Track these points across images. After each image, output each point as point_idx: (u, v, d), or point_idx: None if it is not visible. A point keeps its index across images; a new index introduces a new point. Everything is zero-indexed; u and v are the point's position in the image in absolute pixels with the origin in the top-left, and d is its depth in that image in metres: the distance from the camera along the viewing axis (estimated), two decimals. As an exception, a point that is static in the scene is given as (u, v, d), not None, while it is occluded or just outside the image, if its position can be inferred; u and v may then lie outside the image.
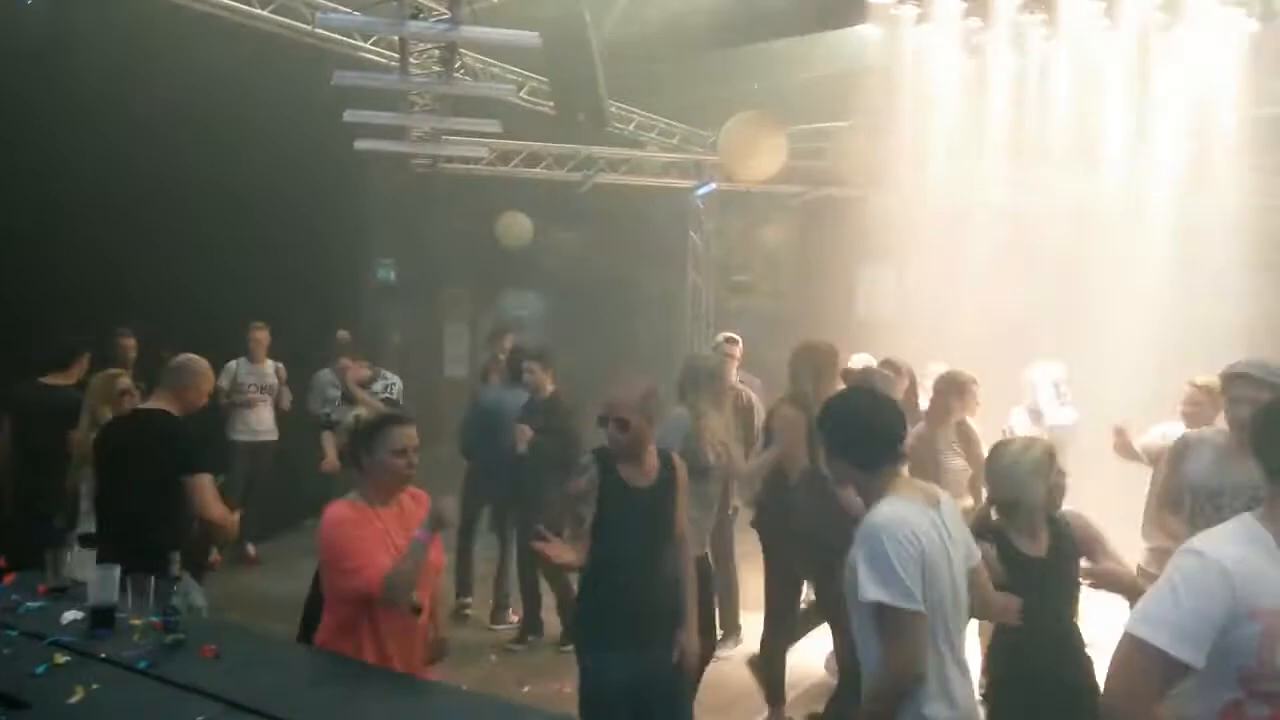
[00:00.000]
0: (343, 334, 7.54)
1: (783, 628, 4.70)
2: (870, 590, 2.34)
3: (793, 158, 9.78)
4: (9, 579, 3.40)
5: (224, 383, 7.14)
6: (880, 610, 2.35)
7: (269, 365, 7.45)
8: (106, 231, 6.67)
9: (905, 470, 2.64)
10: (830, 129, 9.83)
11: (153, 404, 4.05)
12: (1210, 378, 4.17)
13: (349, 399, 6.26)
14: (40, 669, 2.66)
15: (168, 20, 6.44)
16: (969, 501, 4.72)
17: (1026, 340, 6.63)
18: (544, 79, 8.48)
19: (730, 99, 9.48)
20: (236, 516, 4.12)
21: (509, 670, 5.49)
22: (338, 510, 3.05)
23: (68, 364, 5.28)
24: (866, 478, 2.54)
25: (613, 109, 8.59)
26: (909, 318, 7.86)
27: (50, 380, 5.22)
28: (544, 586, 5.77)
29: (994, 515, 3.25)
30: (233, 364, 7.30)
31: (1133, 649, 1.90)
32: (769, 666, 4.70)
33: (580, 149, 10.14)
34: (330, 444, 6.01)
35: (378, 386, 6.64)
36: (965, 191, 7.88)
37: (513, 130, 8.85)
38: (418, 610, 3.05)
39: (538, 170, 10.28)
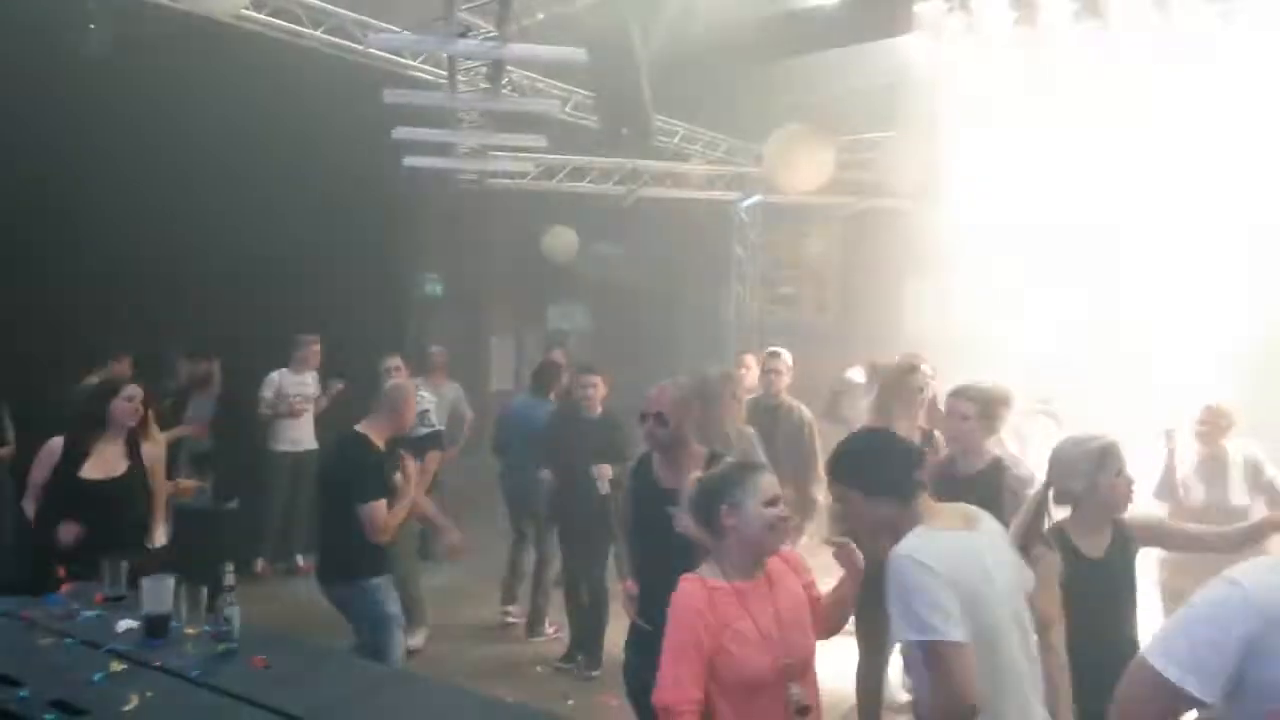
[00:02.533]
0: (436, 349, 7.84)
1: (875, 646, 4.50)
2: (903, 630, 2.28)
3: (838, 169, 9.71)
4: (67, 588, 3.49)
5: (268, 393, 7.23)
6: (918, 646, 2.27)
7: (311, 376, 7.50)
8: (158, 246, 6.85)
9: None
10: (876, 140, 9.76)
11: (362, 427, 4.37)
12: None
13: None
14: (98, 676, 2.73)
15: (222, 40, 6.58)
16: None
17: (1078, 357, 6.52)
18: (589, 93, 8.54)
19: (775, 111, 9.46)
20: None
21: (553, 684, 5.49)
22: (689, 591, 2.49)
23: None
24: (897, 510, 2.42)
25: (657, 122, 8.61)
26: (956, 332, 7.75)
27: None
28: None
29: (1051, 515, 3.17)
30: (275, 375, 7.30)
31: (1141, 672, 1.82)
32: (866, 686, 4.53)
33: (624, 163, 10.18)
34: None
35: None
36: (1014, 203, 7.78)
37: (557, 145, 8.92)
38: (803, 711, 2.50)
39: (582, 184, 10.33)
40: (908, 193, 10.19)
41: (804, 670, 2.56)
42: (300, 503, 7.18)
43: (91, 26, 6.58)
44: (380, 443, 4.31)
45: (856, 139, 10.01)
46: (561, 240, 10.82)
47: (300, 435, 7.32)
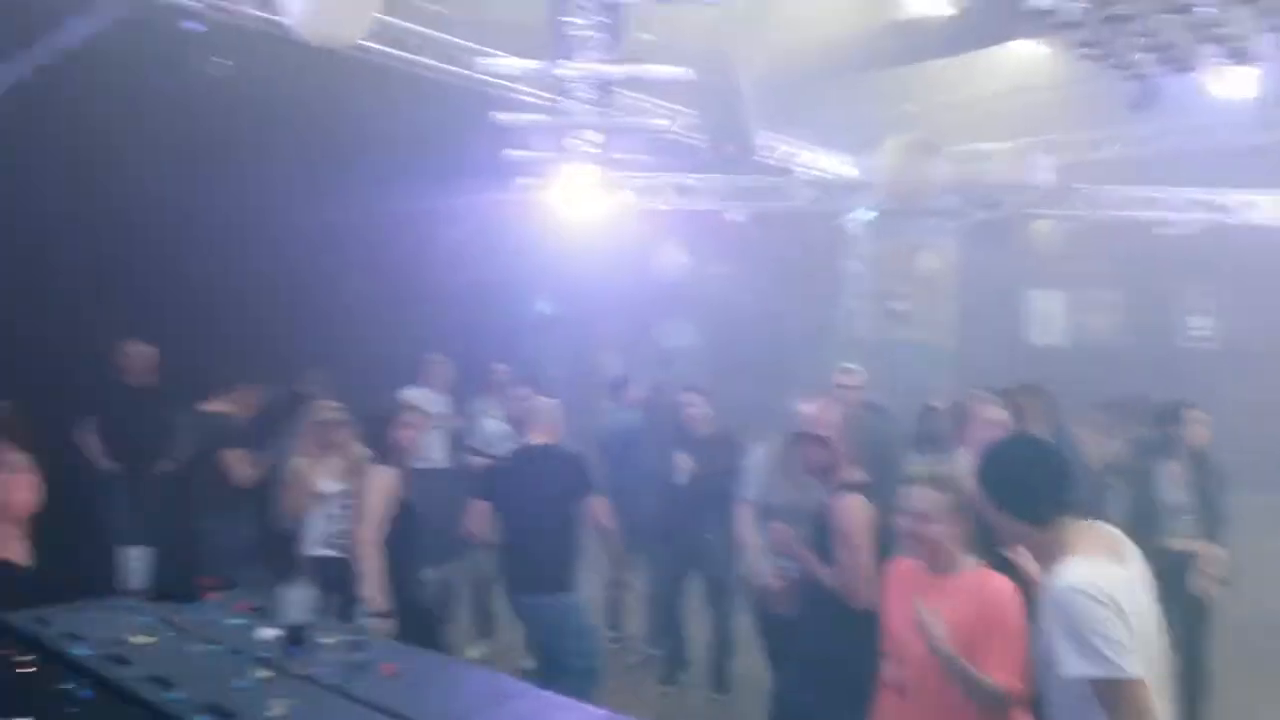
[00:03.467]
0: (499, 366, 7.74)
1: None
2: (1076, 665, 2.10)
3: (952, 180, 9.52)
4: (214, 596, 3.68)
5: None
6: (1093, 685, 2.11)
7: (443, 395, 7.66)
8: (275, 268, 7.18)
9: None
10: (991, 149, 9.53)
11: (543, 439, 4.73)
12: None
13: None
14: (243, 683, 2.86)
15: (337, 66, 6.87)
16: None
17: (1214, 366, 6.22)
18: (694, 112, 8.61)
19: (885, 121, 9.35)
20: None
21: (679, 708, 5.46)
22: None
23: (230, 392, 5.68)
24: (1038, 533, 2.26)
25: (761, 137, 8.61)
26: (1081, 345, 7.48)
27: (211, 407, 5.63)
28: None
29: None
30: (409, 392, 7.51)
31: (1129, 689, 2.09)
32: None
33: (731, 179, 10.19)
34: None
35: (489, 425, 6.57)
36: (1138, 211, 7.49)
37: (665, 163, 8.99)
38: None
39: (689, 202, 10.38)
40: (1025, 202, 9.92)
41: None
42: (432, 518, 7.28)
43: (214, 59, 7.00)
44: None
45: (971, 149, 9.80)
46: (670, 259, 10.88)
47: (430, 452, 7.45)
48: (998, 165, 9.65)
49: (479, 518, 4.76)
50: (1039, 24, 5.29)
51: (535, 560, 4.54)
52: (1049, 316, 11.48)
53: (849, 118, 9.67)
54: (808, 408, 3.52)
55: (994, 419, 3.73)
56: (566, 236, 9.91)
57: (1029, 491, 2.27)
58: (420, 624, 4.13)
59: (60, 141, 6.12)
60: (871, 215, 10.77)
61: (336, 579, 4.84)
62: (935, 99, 8.98)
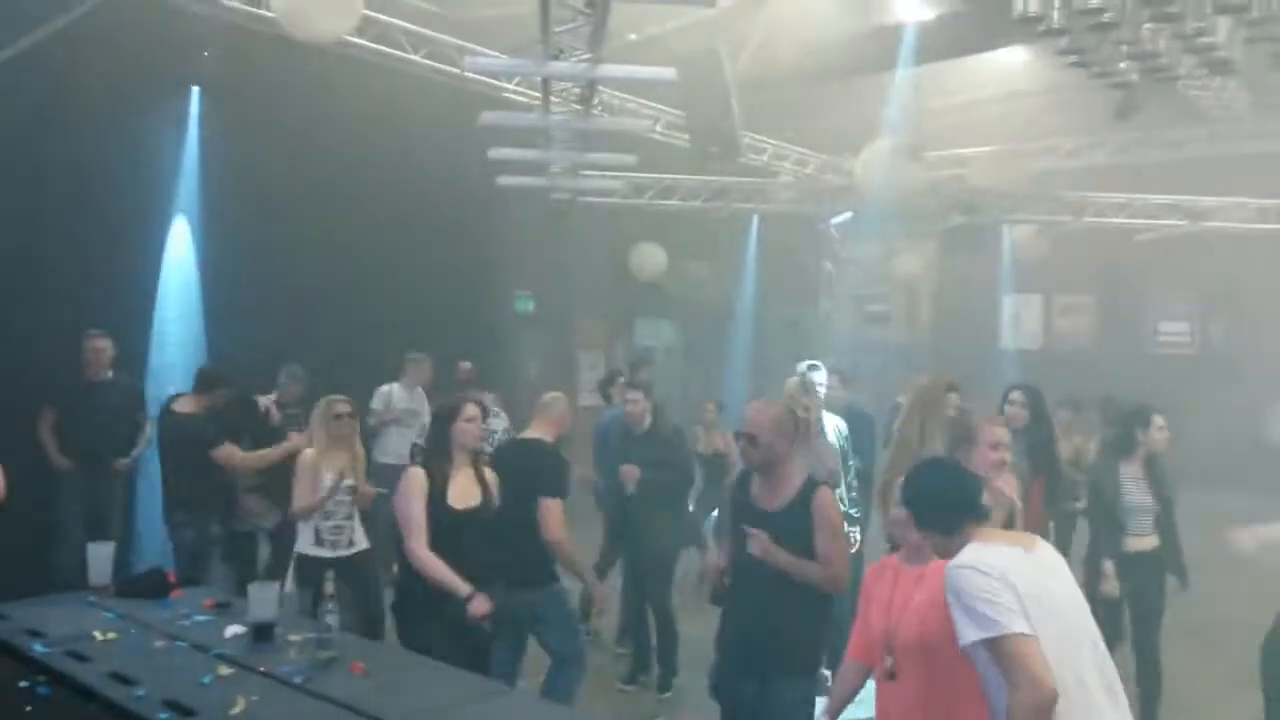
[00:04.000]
0: (465, 365, 7.68)
1: None
2: (967, 633, 2.32)
3: (930, 184, 9.57)
4: (178, 594, 3.64)
5: (377, 405, 7.40)
6: (987, 646, 2.30)
7: (420, 392, 7.64)
8: (267, 262, 7.14)
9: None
10: (970, 155, 9.58)
11: (531, 433, 4.57)
12: None
13: None
14: (206, 679, 2.82)
15: (328, 65, 6.84)
16: None
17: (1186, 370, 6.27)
18: (679, 112, 8.61)
19: (866, 125, 9.38)
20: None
21: (639, 703, 5.45)
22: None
23: (207, 390, 5.62)
24: (949, 541, 2.53)
25: (746, 139, 8.61)
26: (1060, 349, 7.54)
27: (181, 407, 5.56)
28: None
29: None
30: (387, 388, 7.41)
31: (1017, 644, 2.27)
32: None
33: (713, 180, 10.20)
34: None
35: (494, 424, 6.37)
36: (1116, 218, 7.55)
37: (647, 163, 8.99)
38: None
39: (671, 202, 10.39)
40: (1004, 208, 9.97)
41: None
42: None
43: (205, 53, 6.96)
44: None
45: (950, 154, 9.84)
46: (649, 257, 10.89)
47: (405, 449, 7.43)
48: (979, 170, 9.70)
49: None
50: (1026, 30, 5.31)
51: (514, 556, 4.53)
52: (1024, 320, 11.56)
53: (833, 121, 9.70)
54: (749, 407, 3.55)
55: (1000, 441, 3.76)
56: (547, 234, 9.92)
57: (942, 507, 2.56)
58: (471, 644, 3.72)
59: (33, 129, 6.03)
60: (851, 217, 10.82)
61: (317, 577, 4.82)
62: (919, 103, 9.02)
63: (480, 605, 3.64)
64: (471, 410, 3.93)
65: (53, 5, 5.83)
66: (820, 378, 5.64)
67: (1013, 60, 8.95)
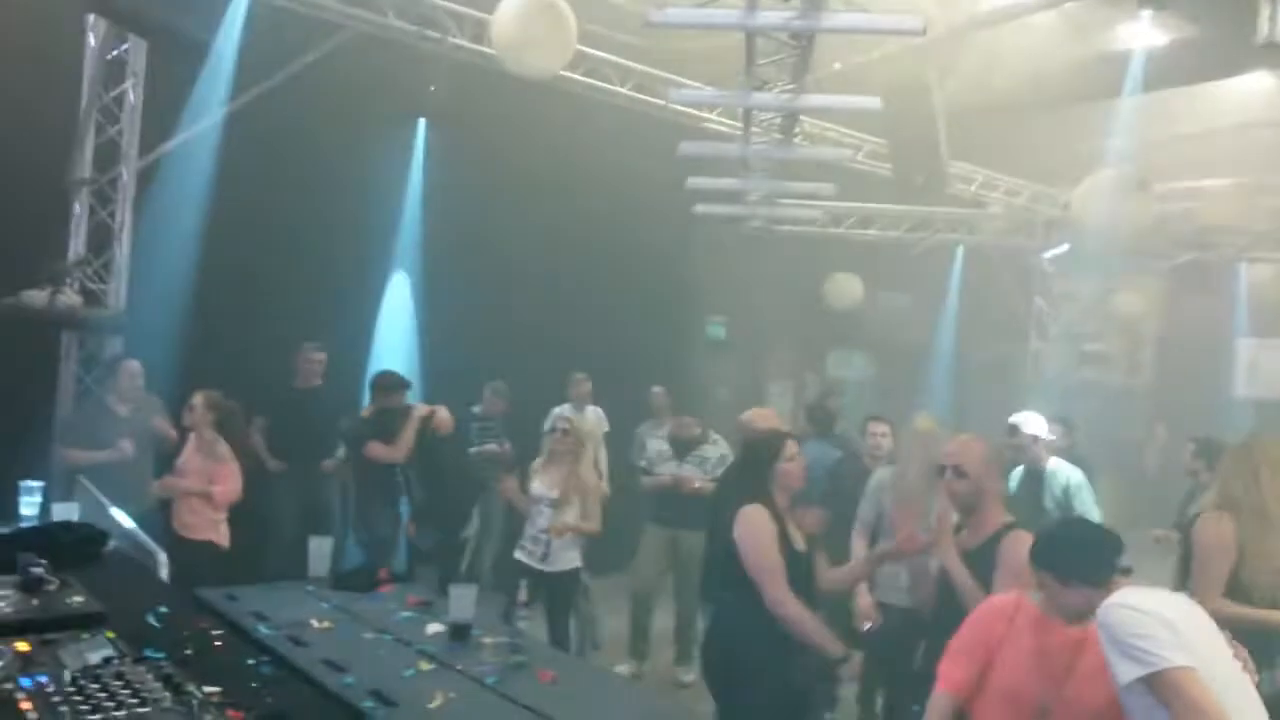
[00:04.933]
0: (658, 389, 7.77)
1: None
2: (1123, 672, 2.23)
3: (1159, 218, 8.91)
4: (386, 589, 3.88)
5: (547, 426, 7.64)
6: (1147, 684, 2.19)
7: (590, 413, 7.84)
8: (479, 281, 7.54)
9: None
10: (1204, 188, 8.86)
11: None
12: None
13: (680, 454, 6.30)
14: (408, 673, 2.99)
15: (540, 97, 7.18)
16: None
17: None
18: (881, 140, 8.45)
19: (1084, 156, 8.87)
20: None
21: None
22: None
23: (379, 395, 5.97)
24: (1095, 594, 2.47)
25: (954, 169, 8.34)
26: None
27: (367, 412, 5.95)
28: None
29: None
30: (557, 410, 7.64)
31: (1184, 674, 2.16)
32: None
33: (916, 210, 9.94)
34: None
35: (708, 452, 6.25)
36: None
37: (847, 192, 8.88)
38: None
39: (871, 231, 10.19)
40: (1241, 244, 9.17)
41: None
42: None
43: (432, 88, 7.49)
44: None
45: (1180, 186, 9.15)
46: (845, 287, 10.71)
47: None
48: (1213, 204, 8.96)
49: None
50: (1271, 57, 4.89)
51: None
52: (1261, 366, 10.54)
53: (1046, 151, 9.23)
54: (952, 443, 3.43)
55: None
56: (743, 262, 9.95)
57: (1090, 560, 2.54)
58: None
59: (276, 156, 6.65)
60: (1067, 251, 10.23)
61: (513, 582, 5.04)
62: (1149, 133, 8.44)
63: (855, 666, 3.36)
64: (793, 449, 3.63)
65: (298, 47, 6.42)
66: (1038, 426, 5.30)
67: (1253, 87, 8.24)
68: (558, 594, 5.18)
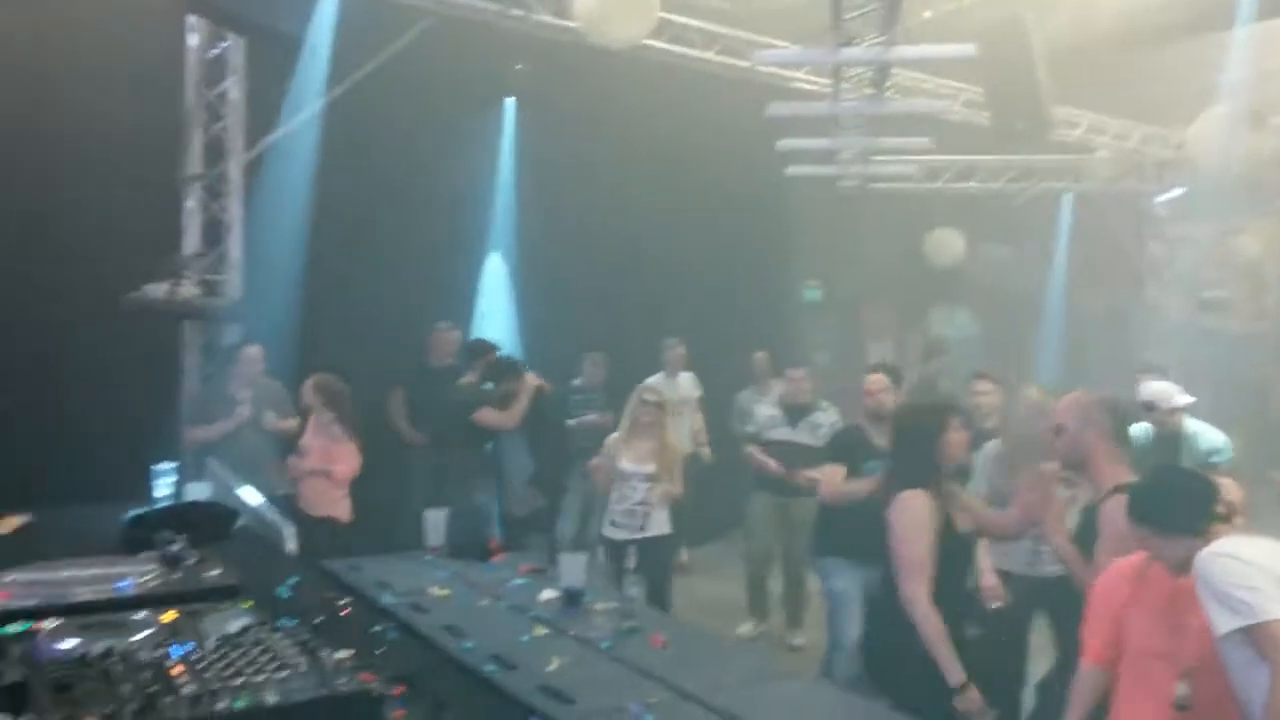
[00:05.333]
0: (760, 354, 7.72)
1: None
2: (1222, 622, 2.21)
3: (1278, 154, 8.40)
4: (499, 558, 3.99)
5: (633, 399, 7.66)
6: (1245, 635, 2.18)
7: (684, 379, 7.83)
8: (575, 255, 7.61)
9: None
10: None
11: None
12: None
13: (792, 420, 6.23)
14: (525, 638, 3.08)
15: (624, 69, 7.16)
16: None
17: None
18: (978, 88, 8.16)
19: (1199, 92, 8.40)
20: None
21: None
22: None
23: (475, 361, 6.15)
24: (1194, 543, 2.42)
25: (1057, 113, 8.00)
26: None
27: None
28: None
29: None
30: (651, 380, 7.67)
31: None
32: None
33: (1018, 159, 9.59)
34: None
35: (820, 419, 6.08)
36: None
37: (945, 144, 8.62)
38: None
39: (971, 184, 9.89)
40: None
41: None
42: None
43: (518, 66, 7.55)
44: None
45: (1305, 118, 8.59)
46: (946, 243, 10.42)
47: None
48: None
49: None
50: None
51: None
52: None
53: (1158, 90, 8.78)
54: (1065, 398, 3.29)
55: None
56: (838, 222, 9.79)
57: (1187, 509, 2.49)
58: None
59: (372, 143, 6.83)
60: (1182, 194, 9.73)
61: (618, 554, 5.10)
62: (1264, 64, 7.94)
63: (973, 700, 3.04)
64: (957, 421, 3.47)
65: (387, 36, 6.54)
66: (1173, 396, 5.02)
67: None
68: (657, 560, 5.20)
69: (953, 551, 3.23)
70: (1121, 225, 10.26)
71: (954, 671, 3.06)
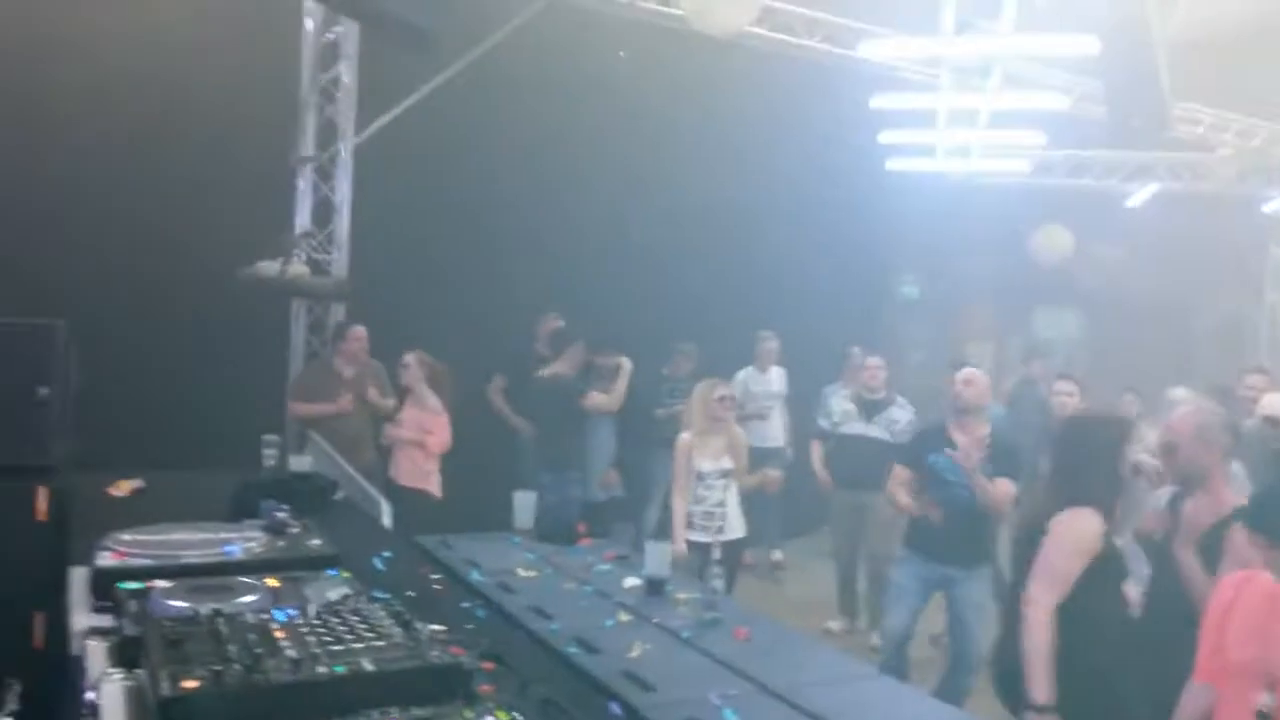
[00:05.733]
0: (855, 349, 7.62)
1: None
2: None
3: None
4: (585, 543, 4.04)
5: (736, 392, 7.61)
6: None
7: (776, 373, 7.75)
8: (664, 247, 7.61)
9: None
10: None
11: None
12: None
13: (868, 415, 6.18)
14: (608, 623, 3.12)
15: (725, 56, 7.12)
16: None
17: None
18: (1094, 81, 7.85)
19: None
20: None
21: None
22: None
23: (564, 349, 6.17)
24: None
25: (1178, 110, 7.65)
26: None
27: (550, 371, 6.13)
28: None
29: None
30: (741, 374, 7.56)
31: None
32: None
33: (1134, 156, 9.21)
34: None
35: (896, 415, 6.21)
36: None
37: (1055, 139, 8.34)
38: None
39: (1084, 180, 9.54)
40: None
41: None
42: (774, 498, 7.43)
43: (621, 54, 7.58)
44: None
45: None
46: (1054, 241, 10.10)
47: (767, 433, 7.58)
48: None
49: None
50: None
51: (948, 533, 4.52)
52: None
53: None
54: (1175, 412, 3.15)
55: None
56: (940, 217, 9.56)
57: None
58: None
59: (490, 125, 6.94)
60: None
61: (701, 553, 5.08)
62: None
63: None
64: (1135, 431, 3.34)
65: (492, 22, 6.64)
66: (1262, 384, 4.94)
67: None
68: (732, 560, 5.11)
69: (1110, 574, 3.09)
70: (1242, 228, 9.78)
71: (1041, 688, 2.95)
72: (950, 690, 4.49)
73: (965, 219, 9.88)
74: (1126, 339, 10.03)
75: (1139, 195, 9.58)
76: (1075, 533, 3.05)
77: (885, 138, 7.83)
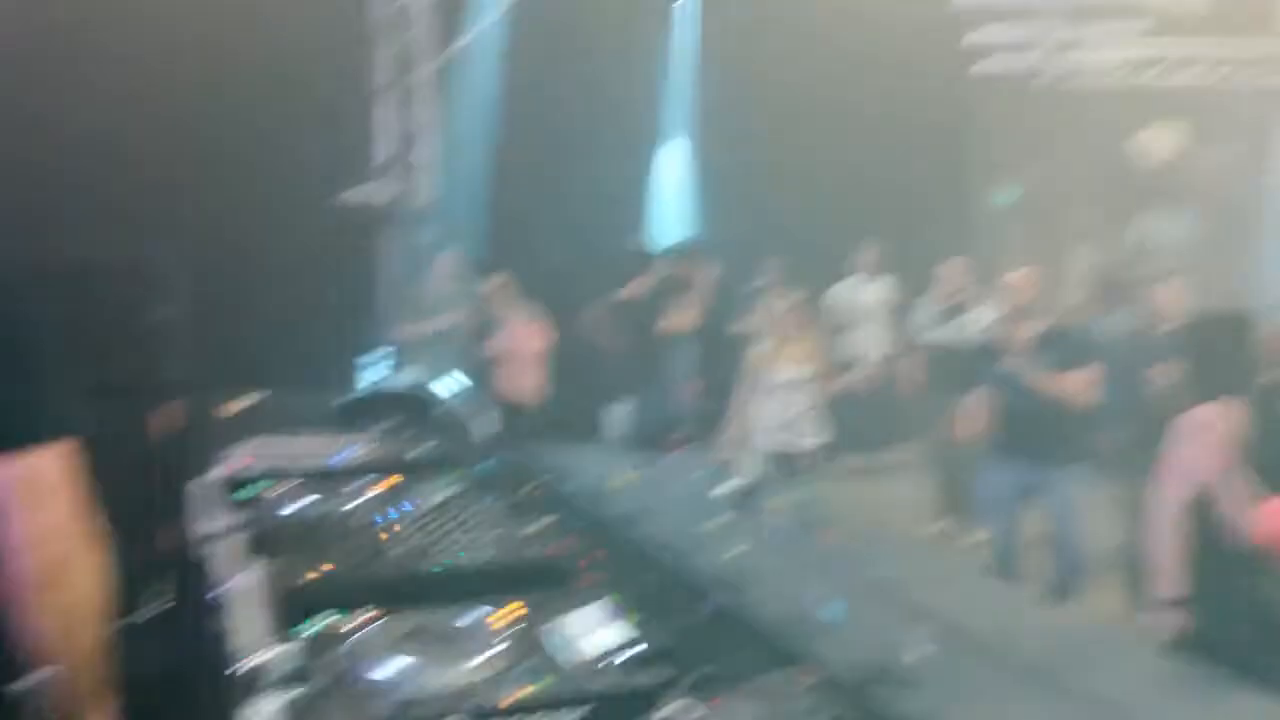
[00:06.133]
0: (952, 260, 7.41)
1: None
2: None
3: None
4: (681, 449, 4.10)
5: (836, 303, 7.52)
6: None
7: (877, 284, 7.55)
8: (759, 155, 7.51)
9: None
10: None
11: None
12: None
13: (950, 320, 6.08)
14: (701, 528, 3.16)
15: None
16: None
17: None
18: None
19: None
20: None
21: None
22: None
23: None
24: None
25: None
26: None
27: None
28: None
29: None
30: (842, 284, 7.45)
31: None
32: None
33: (1244, 47, 8.64)
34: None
35: (971, 317, 6.12)
36: None
37: (1156, 33, 7.86)
38: None
39: (1188, 77, 8.99)
40: None
41: None
42: (869, 402, 7.26)
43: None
44: None
45: None
46: (1159, 141, 9.58)
47: (868, 341, 7.44)
48: None
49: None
50: None
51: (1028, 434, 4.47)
52: None
53: None
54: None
55: None
56: (1035, 121, 9.15)
57: None
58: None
59: (554, 44, 6.89)
60: None
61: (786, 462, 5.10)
62: None
63: (1170, 621, 2.85)
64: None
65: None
66: None
67: None
68: (817, 465, 5.08)
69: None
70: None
71: (1170, 581, 2.89)
72: (1060, 590, 4.44)
73: (1063, 121, 9.46)
74: (1236, 241, 9.54)
75: (1249, 90, 8.99)
76: (1204, 428, 2.95)
77: (972, 39, 7.47)
